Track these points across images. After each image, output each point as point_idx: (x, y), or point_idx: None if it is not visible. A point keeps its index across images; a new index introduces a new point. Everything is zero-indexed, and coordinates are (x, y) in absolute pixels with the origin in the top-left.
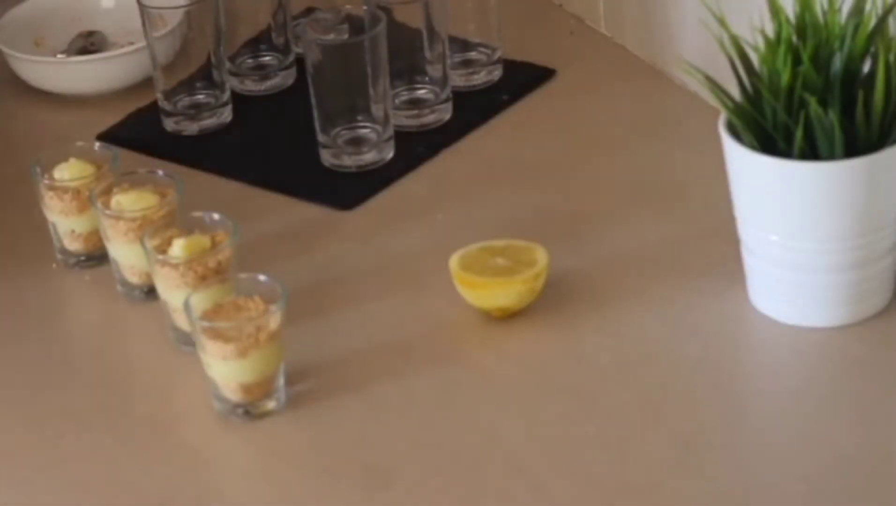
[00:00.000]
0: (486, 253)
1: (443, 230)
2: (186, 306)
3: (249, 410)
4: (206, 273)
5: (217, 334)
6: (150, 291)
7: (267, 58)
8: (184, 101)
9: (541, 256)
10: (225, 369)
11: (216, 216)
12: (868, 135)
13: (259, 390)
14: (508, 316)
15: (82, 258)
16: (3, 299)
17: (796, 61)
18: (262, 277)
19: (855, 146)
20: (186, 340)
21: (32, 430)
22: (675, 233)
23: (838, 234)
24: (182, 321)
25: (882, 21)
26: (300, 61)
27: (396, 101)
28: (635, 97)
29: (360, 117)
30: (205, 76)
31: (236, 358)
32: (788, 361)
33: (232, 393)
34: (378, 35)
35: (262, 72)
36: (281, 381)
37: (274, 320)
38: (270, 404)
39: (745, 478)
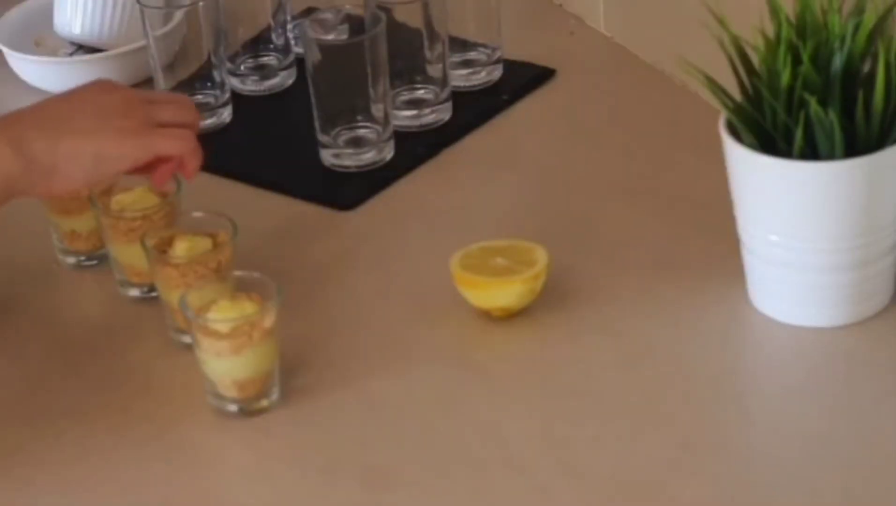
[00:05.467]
0: (486, 253)
1: (443, 230)
2: (182, 303)
3: (244, 407)
4: (206, 273)
5: (211, 331)
6: (150, 291)
7: (267, 58)
8: None
9: (541, 256)
10: (219, 366)
11: (216, 216)
12: (868, 135)
13: (253, 387)
14: (508, 316)
15: (82, 258)
16: (4, 299)
17: (796, 61)
18: (256, 275)
19: (855, 146)
20: (186, 340)
21: (32, 429)
22: (675, 233)
23: (838, 234)
24: (182, 321)
25: (882, 21)
26: (300, 61)
27: (396, 101)
28: (635, 97)
29: (360, 117)
30: (205, 76)
31: (230, 355)
32: (788, 361)
33: (227, 390)
34: (378, 35)
35: (262, 72)
36: (276, 378)
37: (268, 318)
38: (265, 402)
39: (745, 478)
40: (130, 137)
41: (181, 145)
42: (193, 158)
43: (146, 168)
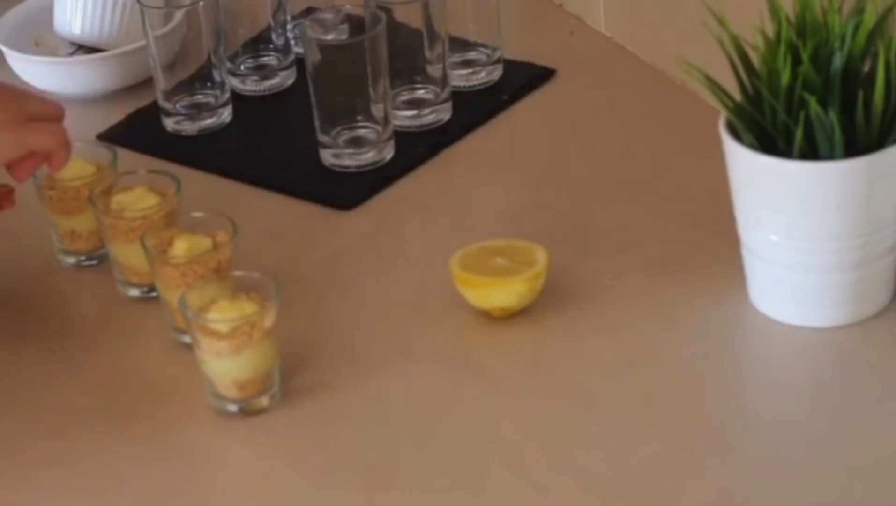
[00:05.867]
0: (486, 253)
1: (443, 230)
2: (182, 303)
3: (244, 407)
4: (206, 273)
5: (211, 331)
6: (150, 291)
7: (267, 58)
8: (184, 101)
9: (541, 256)
10: (219, 366)
11: (216, 216)
12: (868, 135)
13: (253, 386)
14: (508, 316)
15: (82, 258)
16: (4, 299)
17: (796, 61)
18: (256, 275)
19: (855, 146)
20: (186, 340)
21: (32, 429)
22: (675, 233)
23: (838, 234)
24: (182, 321)
25: (882, 21)
26: (300, 61)
27: (396, 101)
28: (635, 97)
29: (360, 117)
30: (205, 76)
31: (230, 355)
32: (788, 361)
33: (227, 390)
34: (378, 35)
35: (262, 72)
36: (276, 378)
37: (268, 318)
38: (266, 401)
39: (745, 477)
40: (4, 130)
41: (53, 140)
42: (63, 152)
43: (14, 163)
